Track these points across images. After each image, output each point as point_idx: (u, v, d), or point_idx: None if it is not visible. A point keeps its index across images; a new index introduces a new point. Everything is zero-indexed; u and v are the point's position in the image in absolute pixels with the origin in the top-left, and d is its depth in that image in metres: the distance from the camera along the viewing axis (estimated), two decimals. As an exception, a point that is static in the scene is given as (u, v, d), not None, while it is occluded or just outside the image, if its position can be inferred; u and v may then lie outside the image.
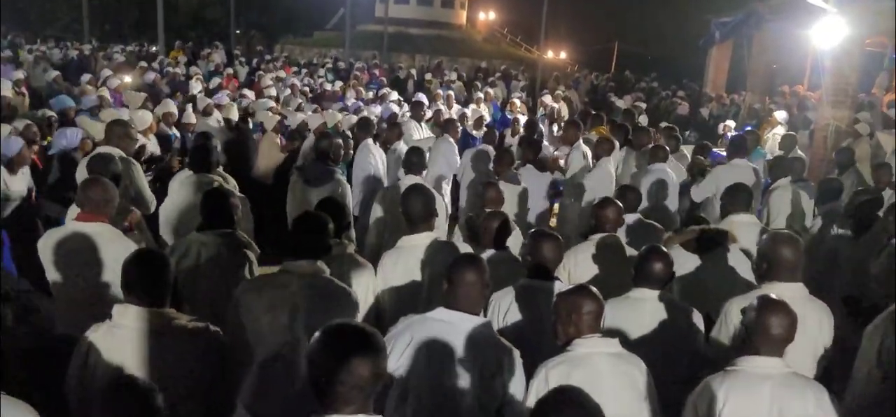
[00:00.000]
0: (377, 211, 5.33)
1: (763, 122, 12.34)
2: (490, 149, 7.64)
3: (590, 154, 7.51)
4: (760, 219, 6.30)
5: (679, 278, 4.25)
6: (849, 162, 7.61)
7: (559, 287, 3.45)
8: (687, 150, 8.88)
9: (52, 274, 3.86)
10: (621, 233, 4.86)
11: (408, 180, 5.54)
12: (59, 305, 3.91)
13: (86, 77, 12.04)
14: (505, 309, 3.53)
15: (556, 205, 7.61)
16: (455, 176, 7.85)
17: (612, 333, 3.03)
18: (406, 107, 11.40)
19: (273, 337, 3.14)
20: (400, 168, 6.04)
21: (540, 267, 3.61)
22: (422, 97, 11.60)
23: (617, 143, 7.60)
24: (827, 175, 7.87)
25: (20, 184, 5.79)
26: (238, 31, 29.01)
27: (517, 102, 13.57)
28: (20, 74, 11.75)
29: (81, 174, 5.14)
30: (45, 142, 6.96)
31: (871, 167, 7.54)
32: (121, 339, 2.83)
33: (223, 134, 7.93)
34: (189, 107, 9.27)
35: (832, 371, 4.01)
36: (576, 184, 7.03)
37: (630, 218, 5.10)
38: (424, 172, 5.87)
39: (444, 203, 6.42)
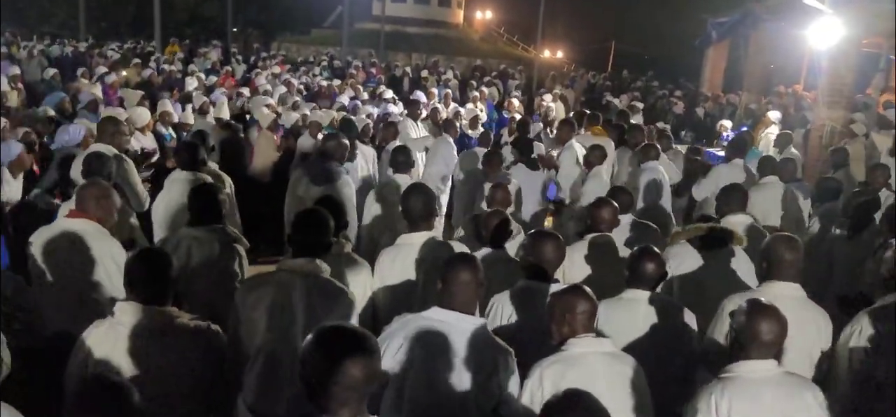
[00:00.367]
0: (374, 209, 5.33)
1: (758, 122, 12.37)
2: (482, 150, 7.65)
3: (581, 154, 7.51)
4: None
5: (680, 276, 4.26)
6: (843, 161, 7.62)
7: (555, 287, 3.46)
8: (682, 150, 8.89)
9: (36, 270, 3.87)
10: (618, 234, 4.87)
11: (398, 179, 5.55)
12: (46, 301, 3.91)
13: (80, 70, 12.04)
14: (503, 311, 3.50)
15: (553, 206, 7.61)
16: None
17: (605, 333, 3.03)
18: (401, 105, 11.39)
19: (271, 336, 3.14)
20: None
21: (539, 269, 3.59)
22: (418, 96, 11.59)
23: (608, 150, 7.59)
24: (822, 174, 7.89)
25: (17, 189, 5.78)
26: (235, 29, 28.97)
27: (515, 102, 13.57)
28: (16, 70, 11.74)
29: (76, 172, 5.15)
30: (45, 139, 6.95)
31: (867, 168, 7.56)
32: (122, 337, 2.83)
33: (218, 132, 7.92)
34: (187, 107, 9.26)
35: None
36: (571, 200, 7.03)
37: (625, 219, 5.10)
38: (412, 171, 5.87)
39: (442, 203, 6.45)
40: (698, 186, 6.78)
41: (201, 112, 9.10)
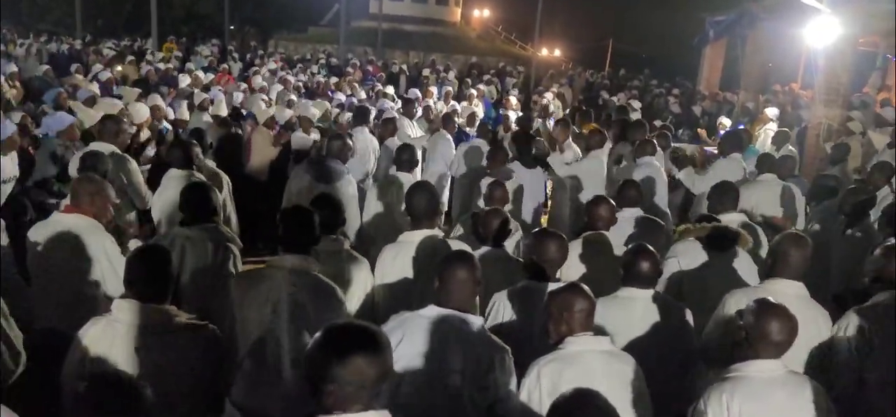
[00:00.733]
0: (375, 207, 5.33)
1: (755, 120, 12.39)
2: (483, 143, 7.65)
3: (579, 153, 7.52)
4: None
5: (688, 274, 4.25)
6: (842, 157, 7.63)
7: (553, 287, 3.45)
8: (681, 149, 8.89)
9: (32, 265, 3.88)
10: (625, 229, 4.86)
11: (401, 177, 5.54)
12: (43, 297, 3.92)
13: (74, 66, 12.03)
14: (503, 309, 3.50)
15: (549, 204, 7.61)
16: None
17: (602, 332, 3.03)
18: (398, 103, 11.38)
19: (260, 332, 3.15)
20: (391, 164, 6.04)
21: (540, 268, 3.58)
22: (413, 94, 11.59)
23: (607, 136, 7.59)
24: (819, 172, 7.90)
25: (10, 167, 5.79)
26: (232, 27, 28.91)
27: (512, 100, 13.56)
28: (13, 67, 11.72)
29: (73, 169, 5.15)
30: (37, 130, 6.97)
31: (867, 169, 7.56)
32: (119, 335, 2.82)
33: (216, 130, 7.91)
34: (183, 103, 9.24)
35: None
36: (566, 176, 7.00)
37: (631, 213, 5.09)
38: (415, 170, 5.87)
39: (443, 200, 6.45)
40: (700, 181, 6.76)
41: (201, 108, 9.09)
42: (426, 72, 18.65)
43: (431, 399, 2.81)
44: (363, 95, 12.72)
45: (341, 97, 12.00)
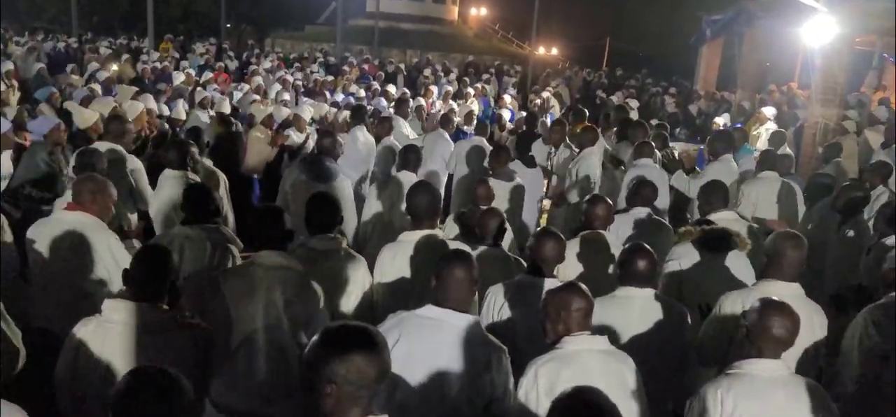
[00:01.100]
0: (376, 206, 5.32)
1: (752, 119, 12.40)
2: (483, 142, 7.64)
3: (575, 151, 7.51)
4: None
5: (685, 276, 4.25)
6: (834, 155, 7.64)
7: (550, 284, 3.46)
8: (677, 148, 8.89)
9: (33, 262, 3.87)
10: (624, 229, 4.86)
11: (402, 176, 5.53)
12: (45, 295, 3.90)
13: (70, 67, 12.01)
14: (498, 304, 3.54)
15: (546, 203, 7.61)
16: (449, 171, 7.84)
17: (599, 331, 3.03)
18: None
19: (239, 328, 3.17)
20: (390, 163, 6.03)
21: (538, 265, 3.62)
22: (406, 93, 11.59)
23: (599, 135, 7.59)
24: (815, 171, 7.91)
25: (6, 165, 5.78)
26: (229, 25, 28.85)
27: (507, 98, 13.54)
28: (9, 65, 11.69)
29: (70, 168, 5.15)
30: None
31: (864, 169, 7.57)
32: (112, 335, 2.82)
33: (214, 128, 7.90)
34: (180, 102, 9.22)
35: (821, 371, 4.04)
36: (560, 178, 7.00)
37: (642, 212, 5.10)
38: (419, 170, 5.88)
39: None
40: (693, 183, 6.76)
41: (201, 106, 9.08)
42: (427, 72, 18.63)
43: (428, 399, 2.81)
44: (362, 94, 12.71)
45: (339, 97, 11.99)
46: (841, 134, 9.67)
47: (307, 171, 5.61)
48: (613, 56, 33.42)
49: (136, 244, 4.73)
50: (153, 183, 5.57)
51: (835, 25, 9.74)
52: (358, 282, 3.78)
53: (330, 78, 14.90)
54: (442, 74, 18.65)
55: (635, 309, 3.47)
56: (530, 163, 6.89)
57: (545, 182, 7.54)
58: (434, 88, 13.79)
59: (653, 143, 7.22)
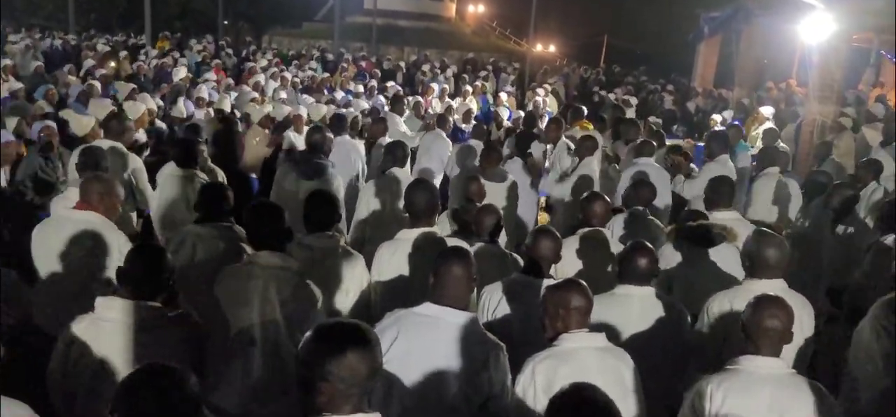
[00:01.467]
0: (373, 204, 5.32)
1: (750, 117, 12.41)
2: (477, 144, 7.64)
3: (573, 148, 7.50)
4: (744, 211, 6.33)
5: (674, 274, 4.25)
6: (826, 153, 7.66)
7: (546, 284, 3.46)
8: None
9: (40, 262, 3.84)
10: (619, 225, 4.87)
11: (398, 173, 5.53)
12: (43, 293, 3.89)
13: (67, 67, 12.02)
14: (495, 302, 3.54)
15: (543, 199, 7.61)
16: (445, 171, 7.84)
17: (599, 329, 3.03)
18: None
19: (235, 328, 3.16)
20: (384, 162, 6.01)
21: (534, 263, 3.62)
22: (400, 91, 11.58)
23: (600, 141, 7.58)
24: (812, 169, 7.92)
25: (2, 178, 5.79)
26: (226, 22, 28.79)
27: (503, 96, 13.53)
28: (7, 62, 11.67)
29: (71, 165, 5.13)
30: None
31: (856, 164, 7.59)
32: (104, 332, 2.82)
33: (213, 126, 7.89)
34: (179, 100, 9.22)
35: (816, 366, 4.05)
36: (561, 185, 7.00)
37: (636, 209, 5.10)
38: (406, 166, 5.89)
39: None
40: (689, 184, 6.76)
41: (198, 105, 9.09)
42: (425, 68, 18.61)
43: (426, 397, 2.81)
44: (360, 90, 12.70)
45: (339, 95, 11.97)
46: (838, 131, 9.68)
47: (296, 169, 5.61)
48: (611, 53, 33.35)
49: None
50: (152, 182, 5.58)
51: (832, 22, 9.76)
52: (356, 280, 3.77)
53: (327, 75, 14.87)
54: (439, 71, 18.65)
55: (635, 307, 3.47)
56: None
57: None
58: (434, 86, 13.78)
59: (654, 143, 7.21)
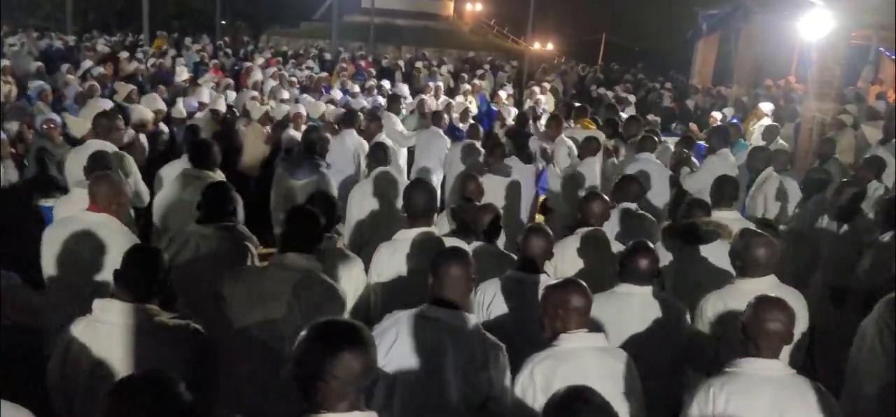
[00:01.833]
0: (370, 204, 5.31)
1: (749, 114, 12.40)
2: (476, 144, 7.62)
3: (574, 148, 7.49)
4: (745, 210, 6.33)
5: (670, 271, 4.26)
6: (830, 152, 7.65)
7: (545, 280, 3.45)
8: (671, 142, 8.89)
9: (50, 264, 3.82)
10: (613, 222, 4.86)
11: (393, 172, 5.51)
12: (50, 298, 3.87)
13: (65, 67, 12.01)
14: (489, 299, 3.54)
15: (542, 196, 7.61)
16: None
17: (599, 328, 3.03)
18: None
19: (259, 332, 3.12)
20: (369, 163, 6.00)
21: (528, 261, 3.62)
22: (400, 90, 11.56)
23: (602, 142, 7.59)
24: (811, 166, 7.91)
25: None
26: (224, 22, 28.76)
27: (502, 95, 13.52)
28: (5, 62, 11.65)
29: (74, 168, 5.08)
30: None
31: (857, 162, 7.58)
32: (102, 334, 2.81)
33: (212, 125, 7.88)
34: (179, 101, 9.20)
35: (815, 362, 4.04)
36: (562, 184, 7.00)
37: (629, 206, 5.09)
38: (399, 164, 5.88)
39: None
40: (690, 178, 6.77)
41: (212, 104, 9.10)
42: (419, 64, 18.59)
43: (426, 397, 2.80)
44: (357, 89, 12.67)
45: (337, 94, 11.95)
46: (838, 128, 9.68)
47: (290, 168, 5.61)
48: (609, 51, 33.32)
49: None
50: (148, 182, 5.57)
51: (831, 20, 9.75)
52: (353, 281, 3.77)
53: (325, 74, 14.86)
54: (435, 68, 18.63)
55: (635, 307, 3.47)
56: (527, 159, 6.88)
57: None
58: (432, 84, 13.75)
59: (655, 139, 7.21)
